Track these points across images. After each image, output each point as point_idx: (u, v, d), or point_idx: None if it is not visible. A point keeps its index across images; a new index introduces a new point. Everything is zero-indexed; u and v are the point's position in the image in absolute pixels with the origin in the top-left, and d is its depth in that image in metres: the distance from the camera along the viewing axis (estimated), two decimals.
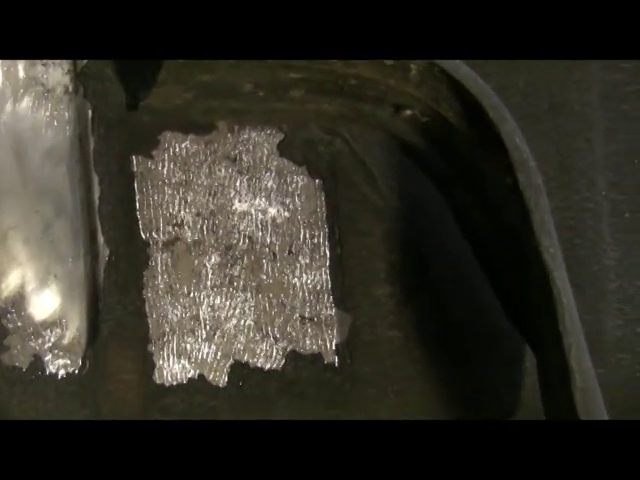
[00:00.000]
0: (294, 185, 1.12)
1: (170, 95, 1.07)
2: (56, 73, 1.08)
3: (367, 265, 1.12)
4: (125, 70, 1.09)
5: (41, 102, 1.08)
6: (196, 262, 1.11)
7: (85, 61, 1.09)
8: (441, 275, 1.14)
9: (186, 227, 1.11)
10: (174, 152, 1.11)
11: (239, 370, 1.10)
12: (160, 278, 1.10)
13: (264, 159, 1.12)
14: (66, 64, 1.09)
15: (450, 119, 1.05)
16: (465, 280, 1.14)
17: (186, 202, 1.11)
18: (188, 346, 1.10)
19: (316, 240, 1.12)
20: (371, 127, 1.12)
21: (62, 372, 1.08)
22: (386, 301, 1.12)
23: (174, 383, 1.09)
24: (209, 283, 1.11)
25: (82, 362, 1.08)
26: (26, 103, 1.08)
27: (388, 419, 1.11)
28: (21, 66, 1.08)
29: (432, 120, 1.08)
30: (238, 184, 1.12)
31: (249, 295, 1.11)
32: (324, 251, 1.12)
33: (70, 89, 1.08)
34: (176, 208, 1.11)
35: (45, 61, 1.08)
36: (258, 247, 1.12)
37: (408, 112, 1.09)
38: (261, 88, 1.07)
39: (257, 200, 1.12)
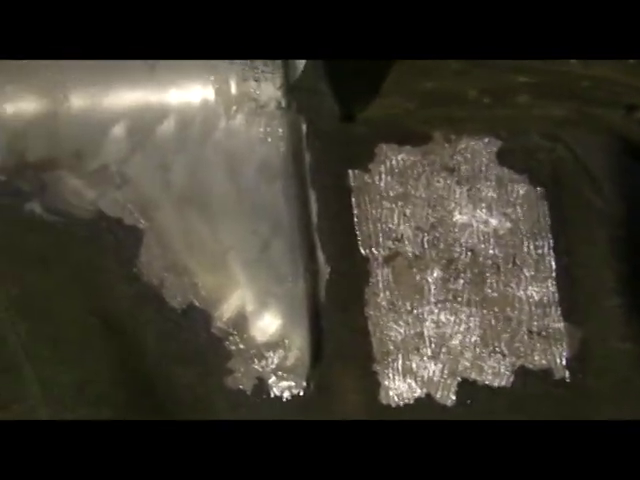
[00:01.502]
0: (515, 194, 1.08)
1: (390, 105, 1.03)
2: (268, 88, 1.05)
3: (595, 275, 1.07)
4: (340, 83, 1.05)
5: (254, 118, 1.05)
6: (418, 277, 1.07)
7: (298, 75, 1.05)
8: None
9: (406, 241, 1.07)
10: (391, 164, 1.07)
11: (467, 388, 1.07)
12: (382, 295, 1.07)
13: (483, 168, 1.08)
14: (278, 79, 1.05)
15: None
16: None
17: (405, 215, 1.07)
18: (414, 364, 1.07)
19: (540, 250, 1.07)
20: (596, 130, 1.06)
21: (287, 394, 1.06)
22: (617, 312, 1.07)
23: (401, 403, 1.06)
24: (432, 298, 1.07)
25: (306, 383, 1.06)
26: (239, 120, 1.05)
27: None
28: (233, 82, 1.04)
29: None
30: (458, 195, 1.07)
31: (474, 310, 1.07)
32: (549, 262, 1.08)
33: (283, 104, 1.05)
34: (395, 222, 1.07)
35: (257, 76, 1.04)
36: (481, 260, 1.07)
37: None
38: (486, 94, 1.02)
39: (478, 211, 1.08)
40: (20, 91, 1.02)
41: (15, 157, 1.03)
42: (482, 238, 1.07)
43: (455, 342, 1.07)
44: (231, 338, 1.05)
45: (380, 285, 1.07)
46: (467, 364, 1.07)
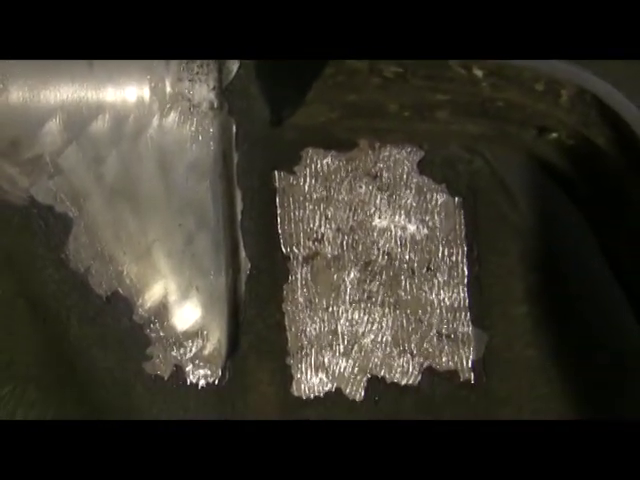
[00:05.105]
0: (433, 203, 1.13)
1: (315, 114, 1.08)
2: (202, 89, 1.09)
3: (505, 284, 1.13)
4: (270, 89, 1.09)
5: (187, 117, 1.09)
6: (335, 277, 1.12)
7: (231, 78, 1.09)
8: (579, 295, 1.14)
9: (326, 242, 1.12)
10: (316, 168, 1.12)
11: (375, 385, 1.12)
12: (300, 292, 1.12)
13: (404, 176, 1.13)
14: (212, 81, 1.09)
15: (599, 143, 1.05)
16: (605, 300, 1.13)
17: (327, 218, 1.12)
18: (326, 360, 1.12)
19: (454, 258, 1.13)
20: (512, 147, 1.12)
21: (202, 382, 1.11)
22: (523, 320, 1.13)
23: (311, 396, 1.11)
24: (348, 298, 1.12)
25: (222, 373, 1.11)
26: (172, 118, 1.09)
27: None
28: (168, 82, 1.08)
29: (578, 143, 1.07)
30: (378, 201, 1.12)
31: (387, 311, 1.12)
32: (462, 269, 1.13)
33: (215, 105, 1.09)
34: (317, 223, 1.12)
35: (192, 77, 1.09)
36: (397, 263, 1.12)
37: (553, 135, 1.09)
38: (406, 109, 1.07)
39: (397, 217, 1.13)
40: None
41: None
42: (399, 243, 1.12)
43: (367, 340, 1.12)
44: (152, 326, 1.10)
45: (298, 283, 1.12)
46: (377, 362, 1.12)
